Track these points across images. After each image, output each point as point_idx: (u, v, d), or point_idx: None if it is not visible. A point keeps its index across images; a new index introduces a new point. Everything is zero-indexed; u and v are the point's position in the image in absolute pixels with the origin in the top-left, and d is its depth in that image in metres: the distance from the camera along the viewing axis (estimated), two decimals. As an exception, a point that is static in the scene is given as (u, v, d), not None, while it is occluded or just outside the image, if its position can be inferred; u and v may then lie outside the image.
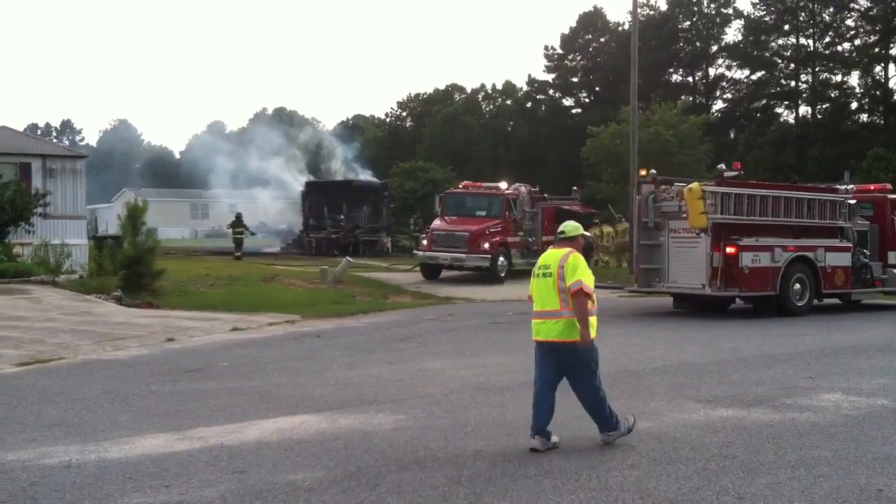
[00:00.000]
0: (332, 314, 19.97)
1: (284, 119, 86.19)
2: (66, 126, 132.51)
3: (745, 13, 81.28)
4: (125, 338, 15.62)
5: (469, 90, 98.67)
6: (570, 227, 8.49)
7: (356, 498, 6.64)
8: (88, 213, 42.78)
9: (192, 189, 77.76)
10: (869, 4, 72.44)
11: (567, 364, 8.18)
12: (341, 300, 22.84)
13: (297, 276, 27.87)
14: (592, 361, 8.23)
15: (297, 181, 51.95)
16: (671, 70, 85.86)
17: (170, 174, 78.70)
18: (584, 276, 8.00)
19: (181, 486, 6.96)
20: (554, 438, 8.11)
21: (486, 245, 28.65)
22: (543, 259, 8.37)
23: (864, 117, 76.81)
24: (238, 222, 39.09)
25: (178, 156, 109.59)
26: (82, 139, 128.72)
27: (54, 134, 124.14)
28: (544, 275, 8.22)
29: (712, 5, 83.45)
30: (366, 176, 54.52)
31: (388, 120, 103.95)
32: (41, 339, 15.28)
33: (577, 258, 8.15)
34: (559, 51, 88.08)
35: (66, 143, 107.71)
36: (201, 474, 7.26)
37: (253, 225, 60.54)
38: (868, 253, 22.10)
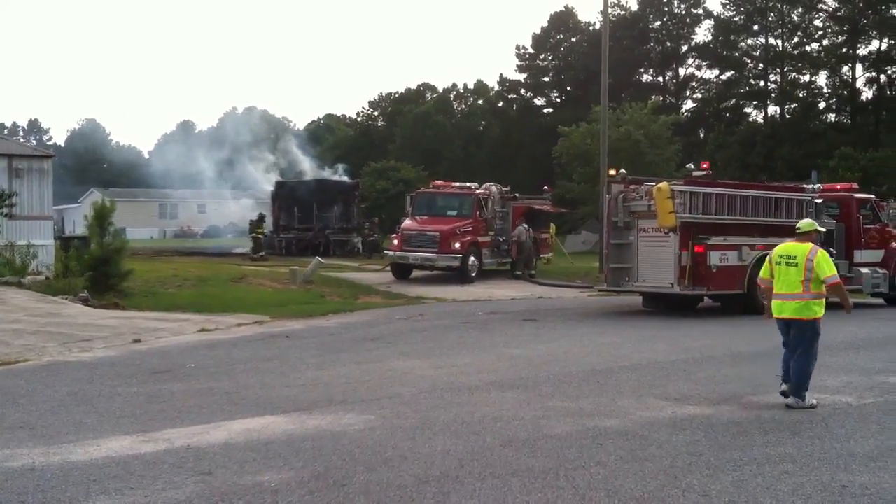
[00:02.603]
0: (301, 315, 19.88)
1: (255, 118, 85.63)
2: (34, 125, 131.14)
3: (715, 13, 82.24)
4: (91, 339, 15.46)
5: (441, 90, 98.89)
6: (805, 224, 10.46)
7: (323, 498, 6.62)
8: (55, 213, 42.33)
9: (160, 189, 77.19)
10: (836, 5, 73.22)
11: (795, 335, 9.95)
12: (311, 300, 22.72)
13: (266, 277, 27.71)
14: (816, 336, 9.94)
15: (268, 181, 51.70)
16: (642, 70, 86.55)
17: (138, 174, 78.12)
18: (833, 269, 9.88)
19: (146, 488, 6.89)
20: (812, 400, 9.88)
21: (457, 245, 28.64)
22: (785, 250, 10.13)
23: (831, 117, 77.76)
24: (260, 223, 39.82)
25: (146, 156, 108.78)
26: (50, 139, 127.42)
27: (21, 133, 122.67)
28: (788, 263, 9.97)
29: (682, 5, 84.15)
30: (328, 173, 54.42)
31: (359, 119, 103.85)
32: (6, 340, 15.10)
33: (824, 254, 10.00)
34: (531, 50, 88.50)
35: (34, 142, 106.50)
36: (167, 476, 7.20)
37: (222, 225, 60.38)
38: (834, 251, 22.25)
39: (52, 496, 6.71)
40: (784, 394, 9.93)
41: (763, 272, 10.44)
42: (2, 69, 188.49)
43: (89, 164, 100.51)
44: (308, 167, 56.90)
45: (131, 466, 7.50)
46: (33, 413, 9.79)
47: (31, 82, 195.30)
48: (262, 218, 40.85)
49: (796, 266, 9.87)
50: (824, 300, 9.99)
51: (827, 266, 9.82)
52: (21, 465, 7.54)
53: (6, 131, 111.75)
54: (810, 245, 10.04)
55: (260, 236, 39.60)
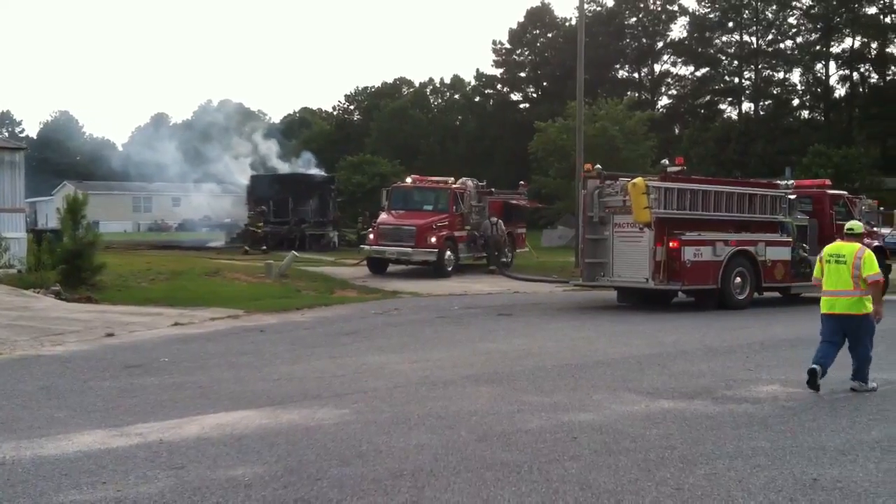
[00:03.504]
0: (276, 309, 19.81)
1: (230, 111, 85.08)
2: (5, 117, 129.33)
3: (691, 10, 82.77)
4: (63, 333, 15.33)
5: (417, 84, 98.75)
6: (857, 226, 11.12)
7: (297, 493, 6.59)
8: (27, 206, 41.93)
9: (134, 182, 76.58)
10: (810, 3, 73.79)
11: (851, 331, 10.47)
12: (286, 295, 22.65)
13: (241, 271, 27.56)
14: (872, 329, 10.57)
15: (243, 174, 51.35)
16: (617, 66, 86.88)
17: (112, 167, 77.47)
18: (877, 268, 10.43)
19: (118, 482, 6.84)
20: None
21: (433, 239, 28.63)
22: (835, 249, 10.66)
23: (805, 114, 78.49)
24: (260, 216, 40.06)
25: (120, 148, 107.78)
26: (22, 131, 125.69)
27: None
28: (837, 262, 10.49)
29: (658, 2, 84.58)
30: (302, 167, 54.20)
31: (335, 113, 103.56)
32: (-24, 334, 14.94)
33: (871, 254, 10.56)
34: (507, 46, 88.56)
35: (5, 134, 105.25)
36: (139, 470, 7.15)
37: (197, 218, 59.91)
38: (807, 247, 22.49)
39: (22, 490, 6.65)
40: (813, 386, 10.33)
41: (816, 272, 10.98)
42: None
43: (62, 157, 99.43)
44: (272, 153, 56.45)
45: (103, 461, 7.44)
46: (4, 407, 9.70)
47: (2, 74, 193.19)
48: (262, 213, 41.11)
49: (845, 264, 10.40)
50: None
51: (871, 264, 10.38)
52: (-9, 460, 7.47)
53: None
54: (858, 245, 10.64)
55: (259, 230, 39.93)
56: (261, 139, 58.71)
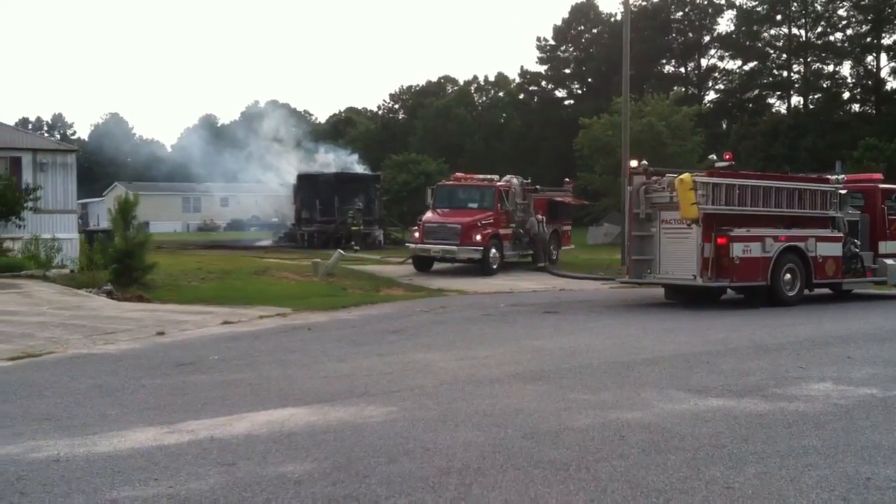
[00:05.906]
0: (323, 307, 19.93)
1: (270, 110, 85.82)
2: (58, 120, 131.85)
3: (738, 3, 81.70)
4: (115, 332, 15.57)
5: (461, 82, 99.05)
6: None
7: (345, 490, 6.63)
8: (79, 207, 42.70)
9: (183, 182, 77.61)
10: (860, -6, 72.55)
11: None
12: (333, 293, 22.79)
13: (288, 270, 27.80)
14: None
15: (290, 174, 51.84)
16: (664, 61, 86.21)
17: (161, 168, 78.51)
18: None
19: (170, 479, 6.92)
20: None
21: (479, 237, 28.64)
22: None
23: (855, 107, 77.23)
24: (358, 213, 41.50)
25: (169, 149, 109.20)
26: (73, 133, 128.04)
27: (45, 128, 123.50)
28: None
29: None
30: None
31: (380, 112, 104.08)
32: (31, 333, 15.24)
33: None
34: (552, 42, 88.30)
35: (58, 136, 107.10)
36: (190, 467, 7.24)
37: (245, 218, 60.61)
38: (859, 243, 22.14)
39: (76, 487, 6.76)
40: None
41: None
42: (26, 64, 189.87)
43: (113, 158, 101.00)
44: (289, 144, 57.03)
45: (155, 457, 7.55)
46: (58, 405, 9.88)
47: (55, 77, 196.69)
48: (359, 209, 41.82)
49: None
50: None
51: None
52: (46, 456, 7.61)
53: (30, 126, 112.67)
54: None
55: (360, 227, 40.72)
56: (281, 130, 59.20)
